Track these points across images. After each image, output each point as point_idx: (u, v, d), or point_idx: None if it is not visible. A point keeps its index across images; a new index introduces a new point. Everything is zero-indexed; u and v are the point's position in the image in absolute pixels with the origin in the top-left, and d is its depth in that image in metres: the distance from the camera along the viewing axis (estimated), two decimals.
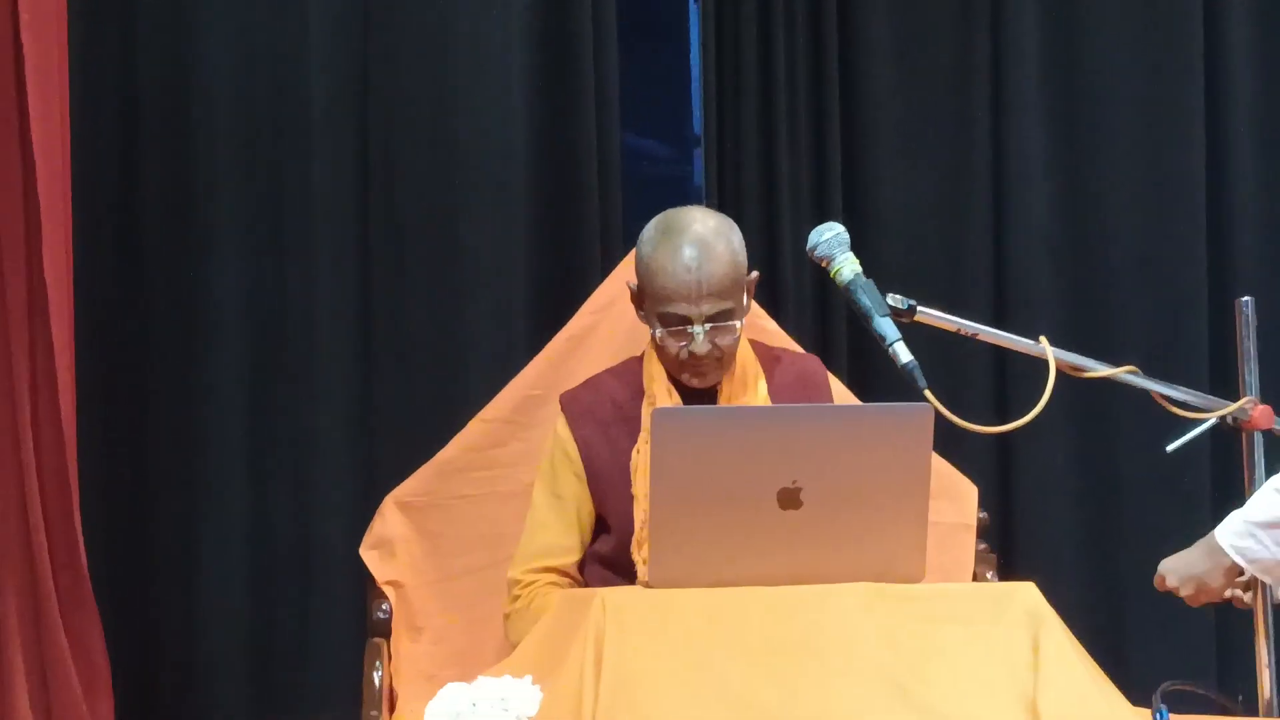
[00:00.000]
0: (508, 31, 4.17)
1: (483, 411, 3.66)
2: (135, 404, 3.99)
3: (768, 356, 3.41)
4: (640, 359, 3.38)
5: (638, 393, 3.33)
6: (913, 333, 3.07)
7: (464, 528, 3.60)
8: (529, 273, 4.16)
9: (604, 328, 3.68)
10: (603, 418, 3.33)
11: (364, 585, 3.59)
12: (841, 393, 3.59)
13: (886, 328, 3.01)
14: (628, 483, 3.27)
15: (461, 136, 4.14)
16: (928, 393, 2.90)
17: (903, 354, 2.98)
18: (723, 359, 3.25)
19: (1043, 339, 3.07)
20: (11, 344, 3.44)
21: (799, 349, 3.64)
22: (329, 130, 4.08)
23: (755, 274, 3.33)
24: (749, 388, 3.31)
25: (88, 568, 3.53)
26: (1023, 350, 3.14)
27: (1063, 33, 4.49)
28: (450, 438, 3.64)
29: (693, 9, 4.55)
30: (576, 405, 3.36)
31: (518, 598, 3.30)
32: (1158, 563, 3.10)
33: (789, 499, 2.73)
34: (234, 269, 4.03)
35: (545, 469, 3.37)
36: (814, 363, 3.49)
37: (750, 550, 2.74)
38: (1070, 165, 4.48)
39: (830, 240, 3.12)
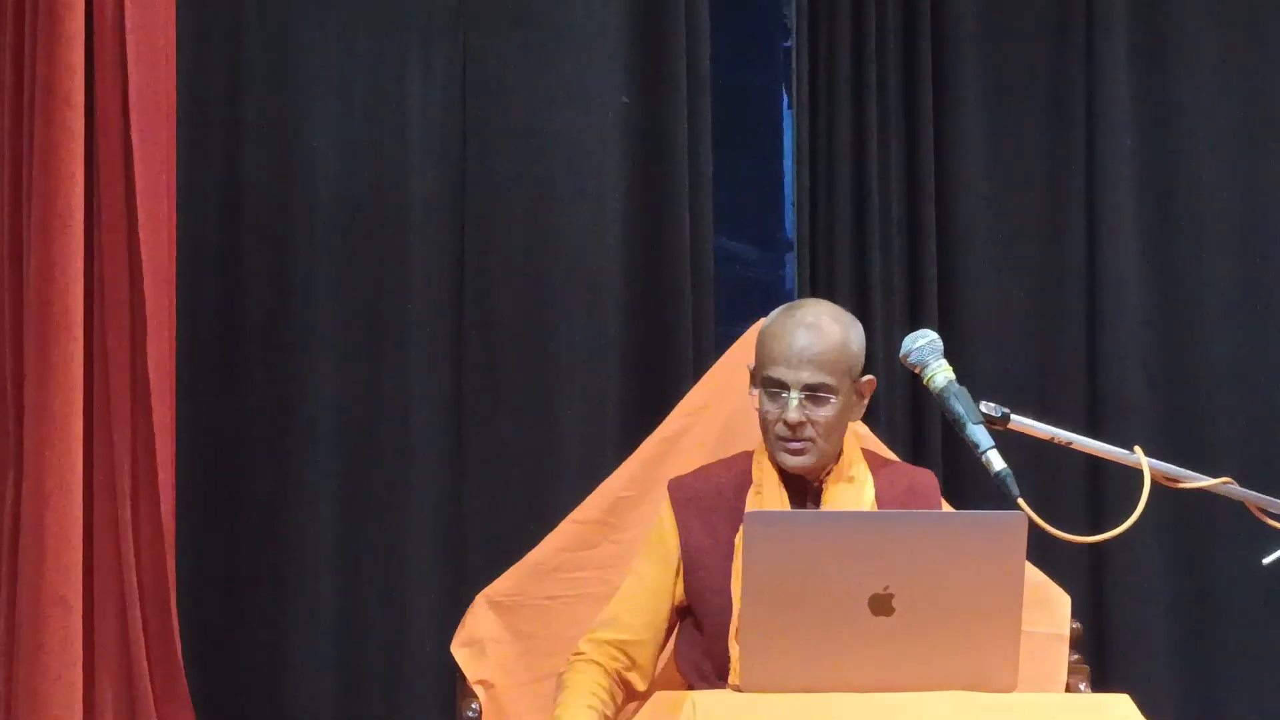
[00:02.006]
0: (603, 134, 4.22)
1: (574, 513, 3.67)
2: (231, 502, 4.03)
3: (877, 462, 3.41)
4: (752, 454, 3.39)
5: (745, 483, 3.34)
6: (1007, 440, 3.06)
7: (555, 629, 3.60)
8: (621, 374, 4.18)
9: (697, 430, 3.69)
10: (707, 505, 3.34)
11: (452, 685, 3.60)
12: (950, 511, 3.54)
13: (980, 435, 3.00)
14: (727, 572, 3.26)
15: (556, 239, 4.19)
16: (1021, 501, 2.88)
17: (996, 462, 2.97)
18: (816, 439, 3.25)
19: (1138, 449, 3.05)
20: (114, 441, 3.49)
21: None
22: (425, 232, 4.13)
23: (870, 378, 3.33)
24: (856, 489, 3.31)
25: (183, 662, 3.56)
26: (1117, 460, 3.12)
27: (1157, 141, 4.49)
28: (540, 538, 3.65)
29: (786, 115, 4.59)
30: (683, 491, 3.37)
31: (569, 665, 3.33)
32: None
33: (881, 605, 2.72)
34: (329, 369, 4.07)
35: (642, 549, 3.39)
36: (928, 477, 3.46)
37: (842, 655, 2.73)
38: (1165, 273, 4.47)
39: (924, 347, 3.12)
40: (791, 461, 3.27)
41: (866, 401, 3.35)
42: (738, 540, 3.25)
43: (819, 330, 3.25)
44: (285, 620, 4.02)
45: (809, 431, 3.24)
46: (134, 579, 3.47)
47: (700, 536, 3.32)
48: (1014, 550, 2.78)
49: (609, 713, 3.26)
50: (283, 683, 4.01)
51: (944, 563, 2.76)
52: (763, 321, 3.35)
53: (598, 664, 3.30)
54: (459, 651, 3.58)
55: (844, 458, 3.32)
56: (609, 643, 3.32)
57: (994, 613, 2.78)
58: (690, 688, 3.32)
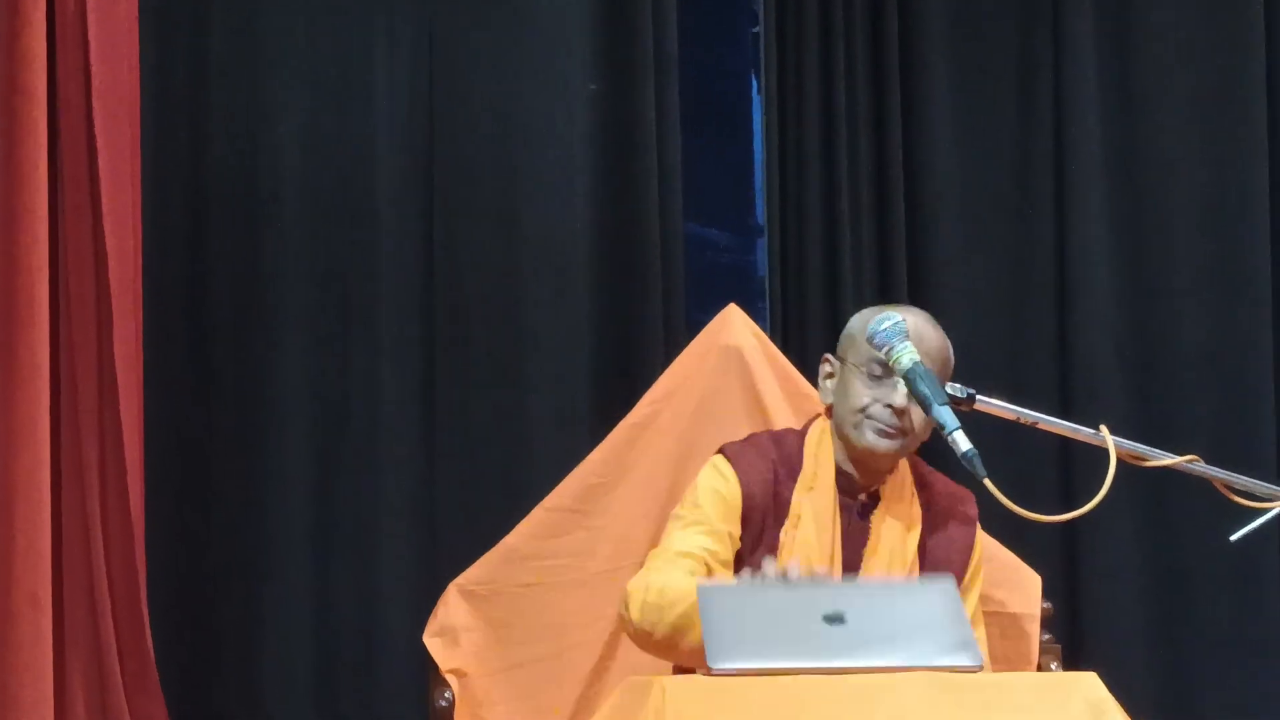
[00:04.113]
0: (572, 119, 4.22)
1: (546, 500, 3.66)
2: (201, 491, 4.02)
3: (920, 476, 3.35)
4: (802, 434, 3.32)
5: (795, 468, 3.26)
6: (980, 421, 3.06)
7: (528, 617, 3.59)
8: (591, 360, 4.19)
9: (667, 415, 3.68)
10: (764, 504, 3.22)
11: (426, 673, 3.60)
12: (990, 543, 3.49)
13: (945, 416, 3.01)
14: (773, 540, 3.21)
15: (525, 225, 4.18)
16: (987, 481, 2.89)
17: (962, 442, 2.98)
18: (909, 434, 3.19)
19: (1103, 428, 3.06)
20: (82, 433, 3.48)
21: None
22: (394, 218, 4.13)
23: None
24: (905, 506, 3.26)
25: (153, 653, 3.55)
26: (1083, 439, 3.13)
27: (1126, 122, 4.51)
28: (513, 526, 3.64)
29: (755, 100, 4.59)
30: (744, 460, 3.25)
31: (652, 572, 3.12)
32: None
33: (835, 619, 2.73)
34: (299, 356, 4.07)
35: (689, 498, 3.23)
36: (969, 504, 3.36)
37: (804, 647, 2.73)
38: (1134, 253, 4.49)
39: (889, 329, 3.13)
40: (877, 442, 3.18)
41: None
42: (782, 535, 3.19)
43: (927, 326, 3.21)
44: (257, 611, 4.02)
45: (906, 421, 3.17)
46: (104, 572, 3.47)
47: (758, 489, 3.21)
48: (951, 603, 2.79)
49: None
50: (255, 674, 4.01)
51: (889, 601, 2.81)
52: (857, 318, 3.28)
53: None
54: (431, 641, 3.57)
55: (899, 473, 3.28)
56: (688, 554, 3.13)
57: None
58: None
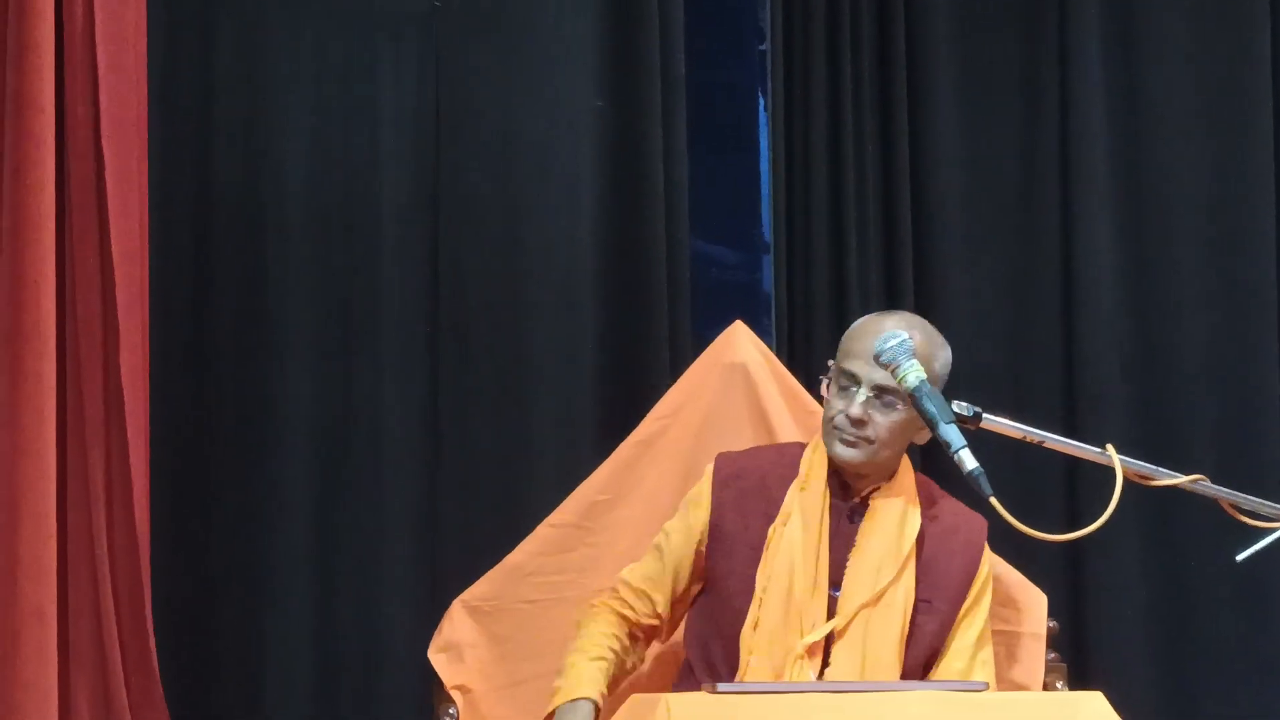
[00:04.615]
0: (578, 137, 4.22)
1: (550, 516, 3.67)
2: (205, 508, 4.01)
3: (929, 495, 3.38)
4: (805, 445, 3.40)
5: (791, 474, 3.34)
6: (985, 440, 3.06)
7: (532, 633, 3.60)
8: (596, 378, 4.18)
9: (673, 433, 3.69)
10: (747, 487, 3.35)
11: (429, 689, 3.59)
12: (996, 562, 3.49)
13: (952, 434, 3.02)
14: (748, 559, 3.28)
15: (530, 242, 4.18)
16: (993, 500, 2.89)
17: (968, 461, 2.98)
18: (873, 440, 3.25)
19: (1109, 447, 3.06)
20: (88, 447, 3.47)
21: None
22: (398, 235, 4.12)
23: None
24: (898, 521, 3.29)
25: (158, 669, 3.55)
26: (1089, 458, 3.13)
27: (1132, 139, 4.50)
28: (516, 542, 3.65)
29: (762, 117, 4.59)
30: (728, 467, 3.39)
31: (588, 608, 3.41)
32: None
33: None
34: (302, 372, 4.06)
35: (678, 510, 3.43)
36: (975, 522, 3.39)
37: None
38: (1139, 265, 4.48)
39: (895, 347, 3.14)
40: (842, 452, 3.26)
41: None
42: (770, 530, 3.27)
43: (903, 333, 3.24)
44: (260, 626, 4.01)
45: (869, 430, 3.24)
46: (109, 586, 3.46)
47: (731, 518, 3.33)
48: None
49: (621, 661, 3.34)
50: (258, 689, 4.00)
51: None
52: (861, 322, 3.37)
53: (615, 611, 3.36)
54: (436, 657, 3.58)
55: (896, 480, 3.32)
56: (634, 589, 3.38)
57: None
58: (690, 666, 3.34)
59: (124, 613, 3.50)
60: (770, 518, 3.30)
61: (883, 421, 3.24)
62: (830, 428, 3.28)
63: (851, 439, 3.25)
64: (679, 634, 3.46)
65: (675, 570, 3.38)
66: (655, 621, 3.40)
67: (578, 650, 3.33)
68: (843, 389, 3.27)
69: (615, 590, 3.41)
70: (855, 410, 3.23)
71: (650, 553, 3.41)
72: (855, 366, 3.25)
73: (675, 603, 3.41)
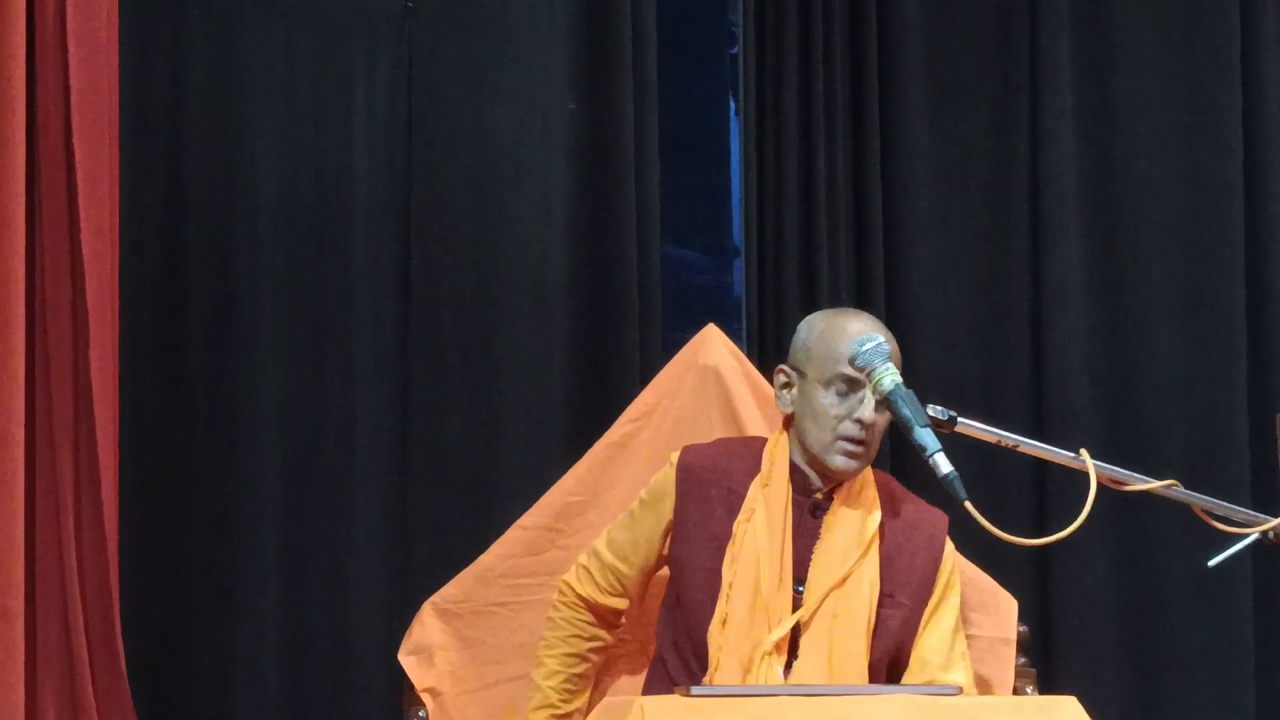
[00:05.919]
0: (549, 141, 4.22)
1: (522, 518, 3.66)
2: (174, 509, 4.00)
3: (889, 492, 3.38)
4: (765, 440, 3.39)
5: (754, 468, 3.33)
6: (954, 443, 3.07)
7: (503, 635, 3.59)
8: (568, 380, 4.18)
9: (645, 435, 3.69)
10: (711, 479, 3.34)
11: (400, 692, 3.58)
12: (966, 566, 3.50)
13: (927, 438, 3.02)
14: (710, 551, 3.28)
15: (502, 245, 4.18)
16: (968, 504, 2.90)
17: (943, 465, 2.99)
18: (869, 449, 3.25)
19: (1083, 452, 3.07)
20: (56, 447, 3.46)
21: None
22: (370, 238, 4.12)
23: None
24: (860, 516, 3.29)
25: (126, 672, 3.53)
26: (1063, 463, 3.14)
27: (1101, 151, 4.53)
28: (486, 545, 3.64)
29: (733, 122, 4.60)
30: (693, 457, 3.37)
31: (559, 607, 3.45)
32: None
33: None
34: (273, 375, 4.05)
35: (642, 495, 3.42)
36: (937, 519, 3.39)
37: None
38: (1109, 275, 4.51)
39: (870, 350, 3.15)
40: (845, 464, 3.24)
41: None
42: (735, 526, 3.26)
43: (883, 334, 3.25)
44: (229, 628, 4.00)
45: (870, 435, 3.23)
46: (76, 587, 3.44)
47: (694, 508, 3.32)
48: None
49: (587, 664, 3.42)
50: (227, 691, 3.98)
51: None
52: (806, 328, 3.34)
53: (577, 608, 3.40)
54: (406, 659, 3.56)
55: (857, 479, 3.31)
56: (604, 563, 3.39)
57: None
58: (663, 659, 3.34)
59: (92, 612, 3.49)
60: (733, 510, 3.29)
61: (881, 425, 3.24)
62: (834, 438, 3.23)
63: (858, 450, 3.23)
64: (651, 627, 3.46)
65: (647, 546, 3.38)
66: (621, 603, 3.41)
67: (540, 669, 3.41)
68: (843, 395, 3.23)
69: (585, 566, 3.42)
70: (868, 414, 3.20)
71: (624, 520, 3.42)
72: (854, 372, 3.23)
73: (643, 573, 3.41)
